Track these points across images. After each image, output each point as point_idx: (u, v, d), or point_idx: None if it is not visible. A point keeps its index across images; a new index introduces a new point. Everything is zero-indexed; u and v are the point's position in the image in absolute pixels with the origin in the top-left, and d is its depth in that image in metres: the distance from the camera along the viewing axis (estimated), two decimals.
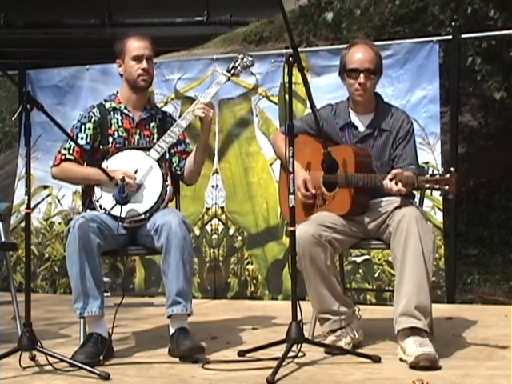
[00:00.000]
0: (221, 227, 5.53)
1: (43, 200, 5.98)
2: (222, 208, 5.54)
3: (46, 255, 5.90)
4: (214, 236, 5.53)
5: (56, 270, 5.85)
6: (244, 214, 5.49)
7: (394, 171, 3.31)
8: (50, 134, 5.75)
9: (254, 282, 5.39)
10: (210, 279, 5.46)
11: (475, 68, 5.70)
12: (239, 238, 5.49)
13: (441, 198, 4.84)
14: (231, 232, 5.50)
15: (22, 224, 5.78)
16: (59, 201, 5.94)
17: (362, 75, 3.47)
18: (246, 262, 5.43)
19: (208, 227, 5.54)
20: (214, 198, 5.55)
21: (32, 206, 5.78)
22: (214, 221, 5.54)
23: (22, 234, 5.67)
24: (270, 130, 5.42)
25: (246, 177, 5.52)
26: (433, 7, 6.06)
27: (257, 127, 5.55)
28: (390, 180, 3.28)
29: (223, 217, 5.53)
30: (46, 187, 5.94)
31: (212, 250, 5.51)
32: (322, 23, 6.62)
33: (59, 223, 5.92)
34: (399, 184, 3.26)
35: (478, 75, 5.74)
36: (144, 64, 3.62)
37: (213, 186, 5.54)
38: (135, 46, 3.64)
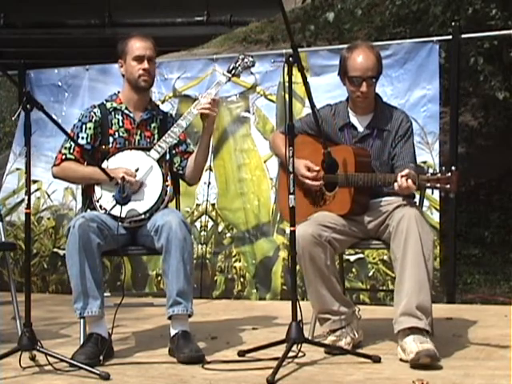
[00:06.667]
0: (210, 224, 5.51)
1: (31, 194, 5.94)
2: (213, 205, 5.52)
3: (34, 251, 5.84)
4: (203, 233, 5.52)
5: (45, 266, 5.84)
6: (234, 210, 5.48)
7: (406, 170, 3.28)
8: (43, 130, 5.79)
9: (242, 280, 5.36)
10: (197, 277, 5.34)
11: (477, 68, 5.70)
12: (228, 234, 5.47)
13: (438, 198, 4.84)
14: (220, 229, 5.49)
15: (7, 218, 5.79)
16: (49, 196, 5.93)
17: (364, 84, 3.47)
18: (233, 259, 5.42)
19: (197, 223, 5.53)
20: (206, 194, 5.54)
21: (19, 200, 5.87)
22: (204, 217, 5.53)
23: (7, 228, 5.66)
24: (266, 128, 5.45)
25: (238, 173, 5.52)
26: (434, 8, 6.06)
27: (253, 125, 5.55)
28: (402, 177, 3.25)
29: (213, 214, 5.51)
30: (34, 182, 5.83)
31: (200, 247, 5.48)
32: (323, 23, 6.62)
33: (48, 218, 5.91)
34: (409, 181, 3.23)
35: (481, 75, 5.74)
36: (145, 64, 3.62)
37: (205, 183, 5.51)
38: (137, 46, 3.63)
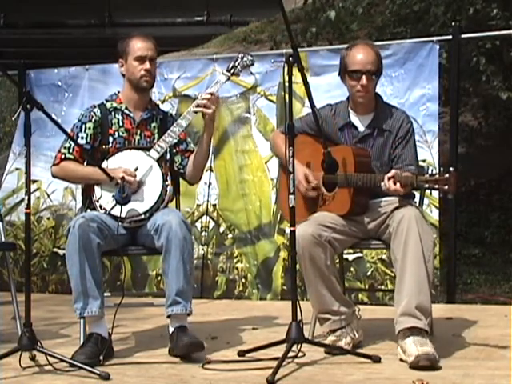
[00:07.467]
0: (211, 224, 5.50)
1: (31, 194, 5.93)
2: (214, 205, 5.51)
3: (34, 250, 5.83)
4: (204, 233, 5.51)
5: (45, 266, 5.83)
6: (236, 211, 5.47)
7: (393, 171, 3.31)
8: (43, 130, 5.79)
9: (243, 280, 5.36)
10: (198, 277, 5.35)
11: (479, 68, 5.70)
12: (230, 235, 5.47)
13: (437, 196, 4.85)
14: (222, 229, 5.48)
15: (6, 218, 5.79)
16: (49, 196, 5.93)
17: (364, 77, 3.47)
18: (235, 260, 5.41)
19: (198, 224, 5.52)
20: (206, 195, 5.54)
21: (19, 200, 5.87)
22: (205, 218, 5.52)
23: (6, 228, 5.66)
24: (267, 129, 5.45)
25: (240, 174, 5.51)
26: (435, 8, 6.06)
27: (254, 125, 5.55)
28: (389, 179, 3.27)
29: (214, 214, 5.50)
30: (34, 181, 5.79)
31: (201, 248, 5.48)
32: (325, 22, 6.61)
33: (48, 218, 5.91)
34: (397, 184, 3.25)
35: (483, 75, 5.74)
36: (147, 65, 3.61)
37: (205, 183, 5.50)
38: (139, 46, 3.62)
